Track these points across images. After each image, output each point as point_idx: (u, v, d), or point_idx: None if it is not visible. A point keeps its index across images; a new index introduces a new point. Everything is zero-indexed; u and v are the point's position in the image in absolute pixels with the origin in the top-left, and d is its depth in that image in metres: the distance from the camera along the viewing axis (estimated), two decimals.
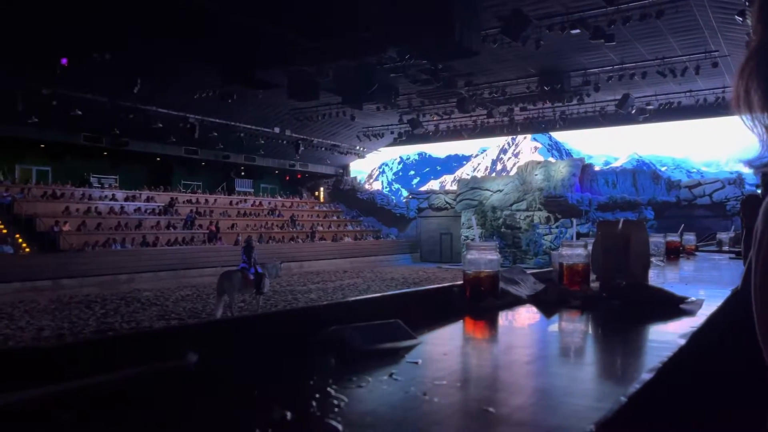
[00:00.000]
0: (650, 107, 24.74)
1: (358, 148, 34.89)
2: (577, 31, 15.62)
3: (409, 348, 0.94)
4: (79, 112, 20.78)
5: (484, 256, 1.42)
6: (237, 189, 33.40)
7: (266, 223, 29.82)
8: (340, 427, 0.58)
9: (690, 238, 3.63)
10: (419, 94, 23.10)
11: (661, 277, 2.22)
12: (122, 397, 0.70)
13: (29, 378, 0.67)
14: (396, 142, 34.35)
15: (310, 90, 19.80)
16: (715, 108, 23.82)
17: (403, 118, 27.33)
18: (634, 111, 24.04)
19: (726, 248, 4.15)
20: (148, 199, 26.68)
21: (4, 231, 20.17)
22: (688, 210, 27.75)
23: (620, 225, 1.73)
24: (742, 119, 0.68)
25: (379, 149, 36.97)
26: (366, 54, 17.17)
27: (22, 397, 0.63)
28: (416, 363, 0.86)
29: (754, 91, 0.66)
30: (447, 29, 13.99)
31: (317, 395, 0.68)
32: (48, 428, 0.60)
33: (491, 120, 27.46)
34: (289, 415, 0.61)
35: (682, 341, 0.97)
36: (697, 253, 3.64)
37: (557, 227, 28.74)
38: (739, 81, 0.67)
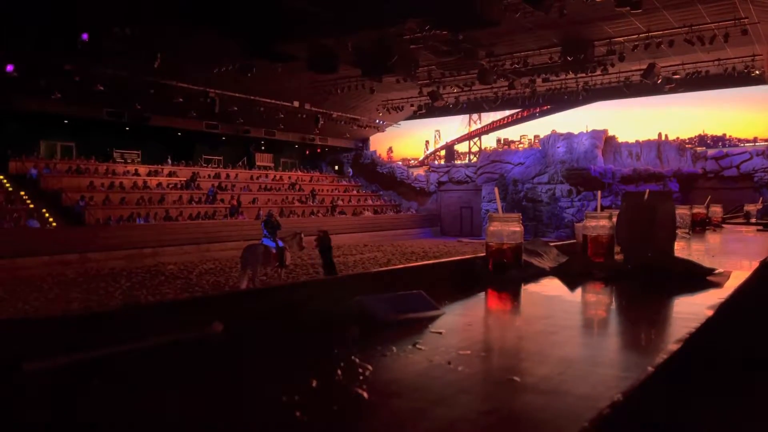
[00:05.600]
0: (677, 77, 24.11)
1: (377, 121, 34.70)
2: None
3: (433, 318, 0.94)
4: (101, 88, 20.94)
5: (507, 228, 1.41)
6: (257, 163, 33.55)
7: (287, 197, 29.99)
8: (365, 395, 0.58)
9: (716, 210, 3.56)
10: (439, 65, 22.77)
11: (687, 249, 2.19)
12: (150, 364, 0.71)
13: (64, 344, 0.68)
14: (416, 114, 34.08)
15: (329, 63, 19.63)
16: (744, 77, 23.16)
17: (423, 91, 27.04)
18: (659, 81, 23.48)
19: (753, 220, 4.08)
20: (170, 174, 26.96)
21: (31, 206, 20.58)
22: (715, 182, 27.21)
23: (646, 196, 1.70)
24: None
25: (399, 122, 36.73)
26: (385, 25, 16.93)
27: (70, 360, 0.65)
28: (440, 333, 0.86)
29: None
30: None
31: (342, 364, 0.69)
32: (82, 390, 0.62)
33: (512, 91, 27.05)
34: (315, 383, 0.62)
35: (710, 313, 0.96)
36: (723, 225, 3.58)
37: (579, 200, 28.44)
38: None
